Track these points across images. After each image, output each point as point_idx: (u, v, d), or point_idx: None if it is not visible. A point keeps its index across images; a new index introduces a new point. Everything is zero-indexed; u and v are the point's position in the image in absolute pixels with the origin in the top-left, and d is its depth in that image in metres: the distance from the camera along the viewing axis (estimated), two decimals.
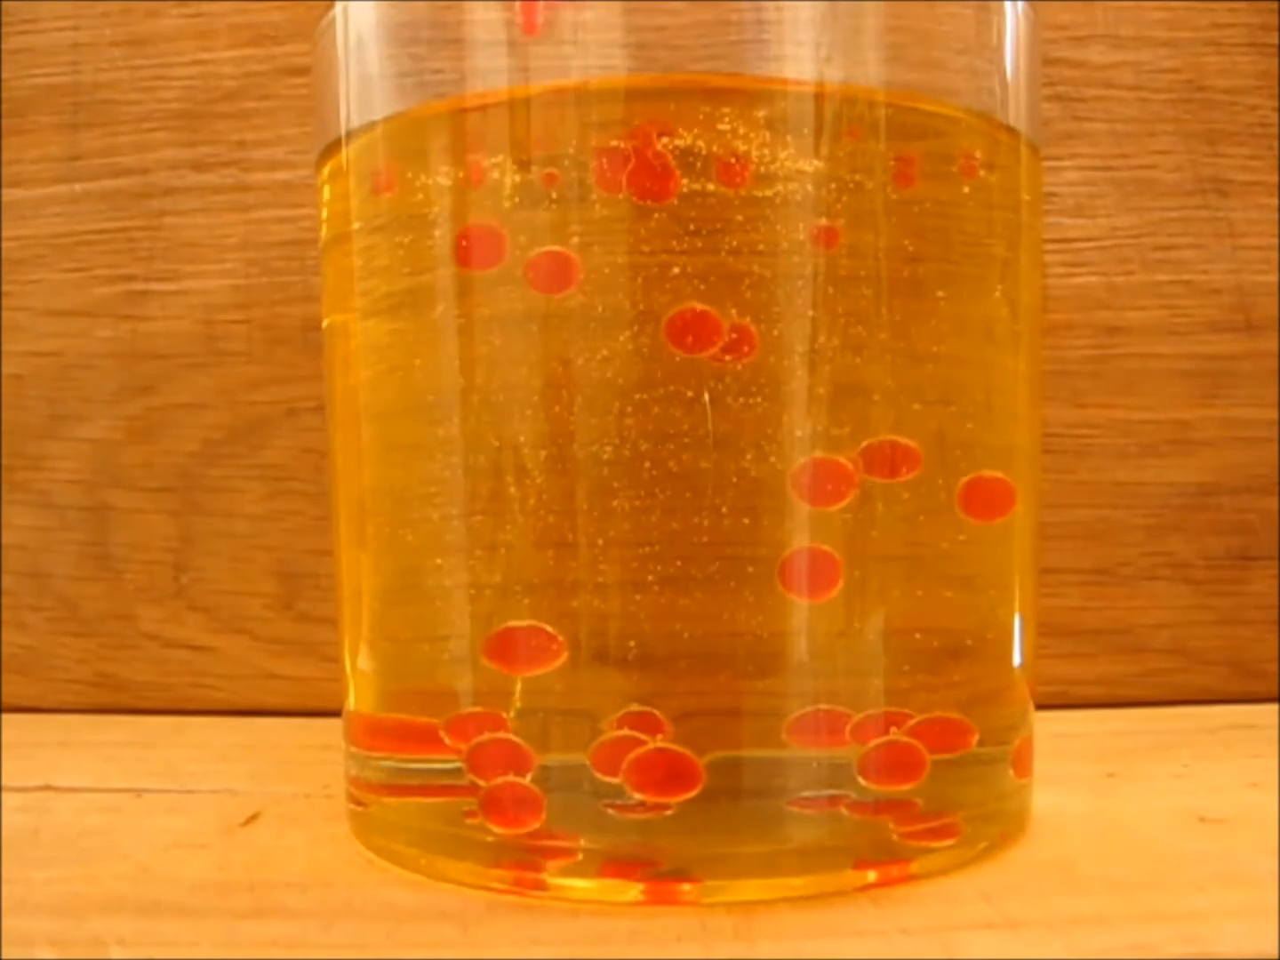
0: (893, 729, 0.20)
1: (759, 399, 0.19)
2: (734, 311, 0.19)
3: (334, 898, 0.20)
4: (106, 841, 0.23)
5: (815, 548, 0.19)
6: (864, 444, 0.20)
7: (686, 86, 0.19)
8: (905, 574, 0.20)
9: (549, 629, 0.19)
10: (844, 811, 0.19)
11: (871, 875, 0.19)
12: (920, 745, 0.20)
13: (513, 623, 0.19)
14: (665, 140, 0.19)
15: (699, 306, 0.19)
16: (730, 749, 0.19)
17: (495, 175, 0.19)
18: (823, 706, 0.19)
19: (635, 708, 0.19)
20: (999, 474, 0.21)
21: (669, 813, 0.19)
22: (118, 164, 0.37)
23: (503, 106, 0.19)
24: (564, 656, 0.19)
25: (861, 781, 0.19)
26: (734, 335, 0.19)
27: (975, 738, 0.21)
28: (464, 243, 0.20)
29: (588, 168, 0.19)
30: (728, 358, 0.19)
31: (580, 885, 0.19)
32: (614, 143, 0.19)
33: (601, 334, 0.19)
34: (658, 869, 0.19)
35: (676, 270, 0.19)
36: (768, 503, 0.19)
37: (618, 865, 0.19)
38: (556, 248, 0.19)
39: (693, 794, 0.19)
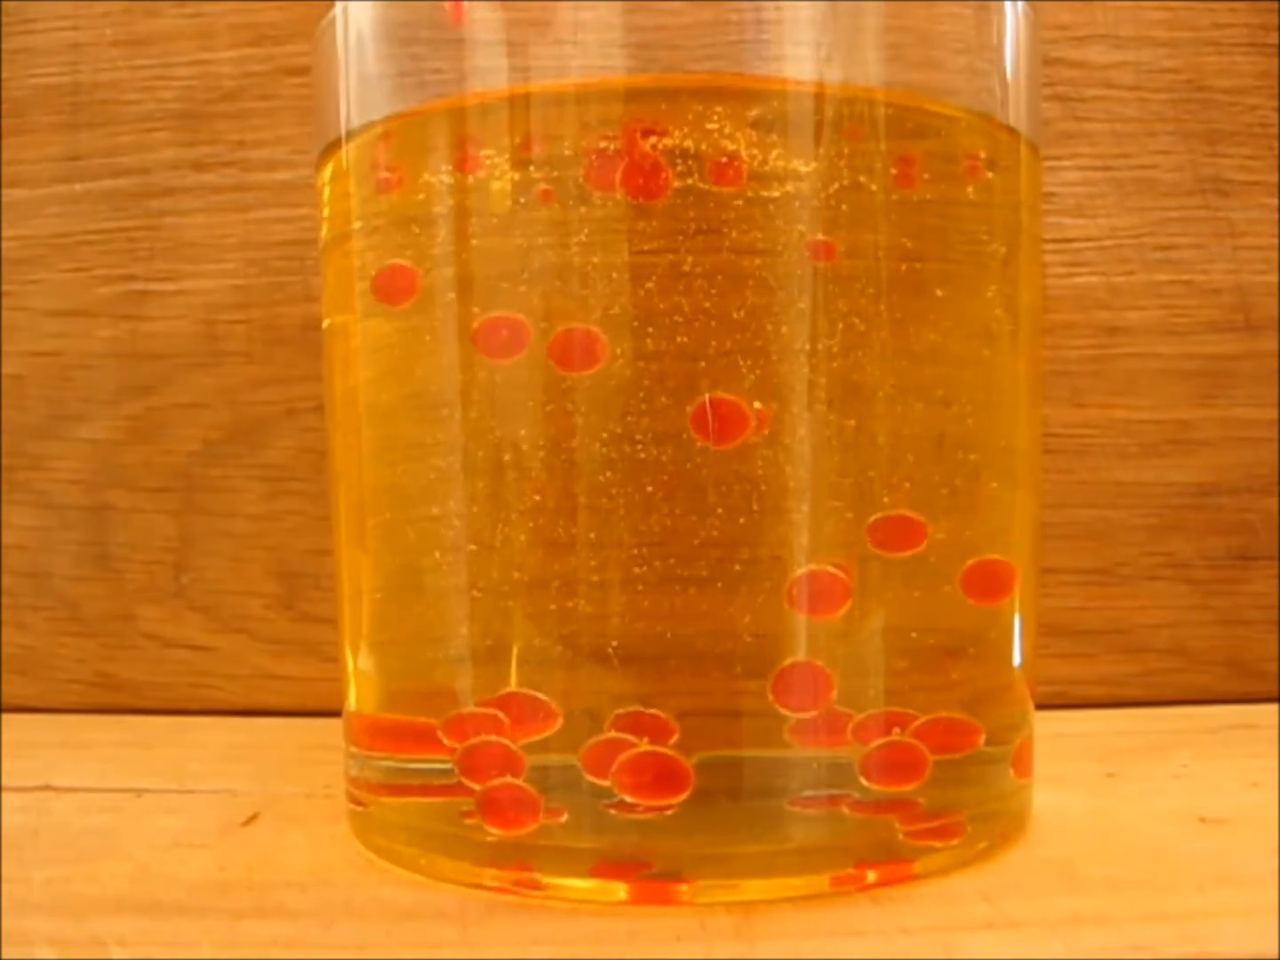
0: (895, 729, 0.20)
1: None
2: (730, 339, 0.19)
3: (334, 898, 0.20)
4: (106, 841, 0.23)
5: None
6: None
7: (687, 86, 0.19)
8: (905, 573, 0.20)
9: (543, 696, 0.19)
10: (845, 811, 0.19)
11: (872, 875, 0.19)
12: (922, 745, 0.20)
13: (512, 689, 0.19)
14: (654, 140, 0.19)
15: (723, 395, 0.19)
16: (732, 749, 0.19)
17: (495, 175, 0.19)
18: (851, 707, 0.19)
19: (635, 708, 0.19)
20: (999, 556, 0.21)
21: (669, 813, 0.19)
22: (118, 164, 0.37)
23: (502, 106, 0.19)
24: (558, 722, 0.19)
25: (864, 782, 0.19)
26: (757, 420, 0.19)
27: (982, 738, 0.21)
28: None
29: (582, 167, 0.19)
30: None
31: (576, 885, 0.19)
32: (604, 143, 0.19)
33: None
34: (653, 869, 0.19)
35: (686, 268, 0.19)
36: (771, 503, 0.19)
37: (614, 866, 0.19)
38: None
39: (683, 797, 0.19)
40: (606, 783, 0.19)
